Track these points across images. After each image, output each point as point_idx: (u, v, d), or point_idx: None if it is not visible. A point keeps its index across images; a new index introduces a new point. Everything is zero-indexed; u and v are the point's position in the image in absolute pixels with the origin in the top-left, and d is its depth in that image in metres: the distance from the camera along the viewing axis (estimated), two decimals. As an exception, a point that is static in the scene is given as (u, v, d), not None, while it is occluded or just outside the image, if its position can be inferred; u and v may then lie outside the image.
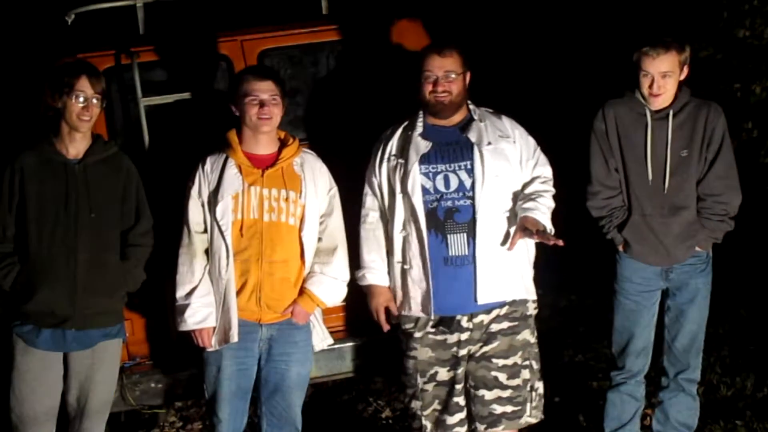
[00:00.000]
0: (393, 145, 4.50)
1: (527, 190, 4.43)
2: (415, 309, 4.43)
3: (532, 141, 4.51)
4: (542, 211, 4.34)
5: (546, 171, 4.50)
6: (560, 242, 4.21)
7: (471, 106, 4.51)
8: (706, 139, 4.58)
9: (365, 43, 5.12)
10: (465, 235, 4.33)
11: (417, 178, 4.36)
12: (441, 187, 4.36)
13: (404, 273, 4.44)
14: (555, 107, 7.67)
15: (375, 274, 4.50)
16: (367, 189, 4.55)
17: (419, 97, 4.45)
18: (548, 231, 4.30)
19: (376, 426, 5.85)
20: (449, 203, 4.35)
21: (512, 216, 4.40)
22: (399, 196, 4.41)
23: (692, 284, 4.69)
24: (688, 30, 6.41)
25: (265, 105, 4.37)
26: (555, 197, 4.48)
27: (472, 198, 4.33)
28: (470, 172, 4.35)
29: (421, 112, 4.50)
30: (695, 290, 4.70)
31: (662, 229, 4.60)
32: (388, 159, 4.48)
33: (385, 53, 5.07)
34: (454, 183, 4.36)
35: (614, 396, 4.87)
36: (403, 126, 4.53)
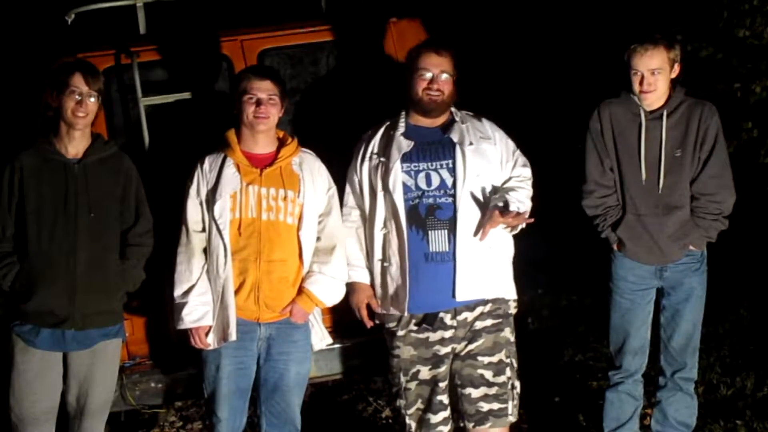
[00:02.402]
0: (375, 144, 4.52)
1: (503, 187, 4.46)
2: (393, 306, 4.45)
3: (511, 143, 4.55)
4: (510, 200, 4.35)
5: (524, 171, 4.53)
6: (525, 219, 4.30)
7: (452, 109, 4.52)
8: (700, 139, 4.59)
9: (365, 43, 5.12)
10: (446, 231, 4.35)
11: (399, 176, 4.39)
12: (423, 184, 4.39)
13: (384, 271, 4.46)
14: (551, 107, 7.68)
15: (356, 271, 4.54)
16: (348, 188, 4.58)
17: (409, 94, 4.45)
18: (514, 210, 4.30)
19: (376, 426, 5.85)
20: (431, 200, 4.38)
21: None
22: (380, 194, 4.43)
23: (687, 283, 4.69)
24: (688, 30, 6.42)
25: (262, 104, 4.38)
26: (535, 197, 4.50)
27: (454, 196, 4.36)
28: (452, 170, 4.38)
29: (403, 112, 4.52)
30: (690, 289, 4.70)
31: (656, 228, 4.61)
32: (370, 158, 4.50)
33: (385, 53, 5.07)
34: (435, 181, 4.39)
35: (613, 395, 4.87)
36: (384, 126, 4.54)
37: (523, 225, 4.41)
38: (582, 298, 7.39)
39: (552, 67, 8.09)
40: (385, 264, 4.45)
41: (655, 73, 4.49)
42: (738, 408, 5.50)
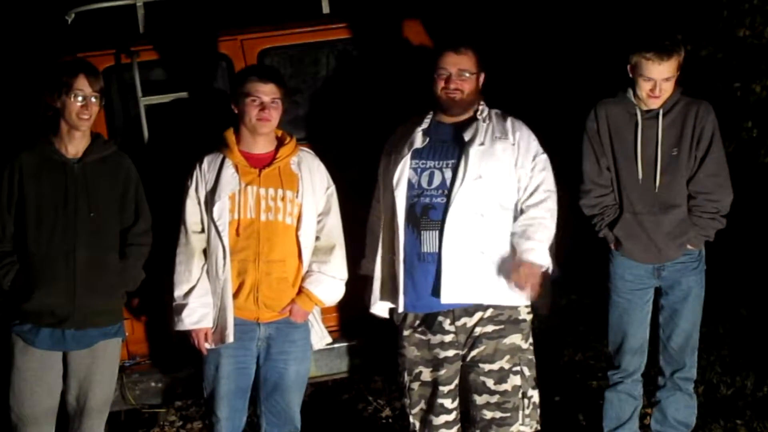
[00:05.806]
0: (396, 139, 4.52)
1: (526, 213, 4.37)
2: (390, 300, 4.46)
3: (534, 145, 4.43)
4: (539, 250, 4.30)
5: (546, 181, 4.40)
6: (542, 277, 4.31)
7: (480, 106, 4.47)
8: (696, 137, 4.59)
9: (365, 43, 5.12)
10: (437, 232, 4.31)
11: (405, 172, 4.37)
12: (424, 183, 4.36)
13: (383, 264, 4.47)
14: (550, 107, 7.67)
15: (368, 264, 4.57)
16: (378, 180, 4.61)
17: (432, 93, 4.44)
18: (547, 269, 4.34)
19: (376, 425, 5.85)
20: (427, 200, 4.34)
21: (497, 220, 4.36)
22: (388, 189, 4.42)
23: (684, 283, 4.69)
24: (688, 29, 6.41)
25: (266, 108, 4.38)
26: (560, 202, 4.45)
27: (448, 196, 4.31)
28: (455, 170, 4.33)
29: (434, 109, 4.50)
30: (688, 289, 4.70)
31: (653, 226, 4.62)
32: (388, 152, 4.51)
33: (385, 52, 5.08)
34: (437, 180, 4.36)
35: (612, 395, 4.87)
36: (413, 121, 4.52)
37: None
38: (582, 298, 7.38)
39: (550, 67, 8.09)
40: (386, 258, 4.45)
41: (667, 80, 4.50)
42: (738, 408, 5.50)
